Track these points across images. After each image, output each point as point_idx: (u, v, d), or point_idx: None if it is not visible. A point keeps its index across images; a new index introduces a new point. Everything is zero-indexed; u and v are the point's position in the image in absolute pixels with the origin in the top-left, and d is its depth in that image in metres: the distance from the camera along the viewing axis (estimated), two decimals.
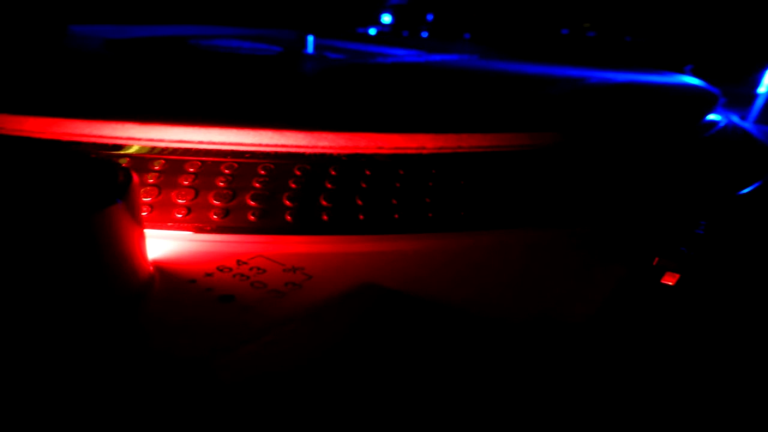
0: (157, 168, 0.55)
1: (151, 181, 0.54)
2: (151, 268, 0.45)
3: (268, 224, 0.54)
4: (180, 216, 0.53)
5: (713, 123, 0.95)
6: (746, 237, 0.63)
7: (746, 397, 0.35)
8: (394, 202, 0.58)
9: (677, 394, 0.35)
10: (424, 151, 0.62)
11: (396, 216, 0.57)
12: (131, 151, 0.57)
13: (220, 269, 0.46)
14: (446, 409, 0.33)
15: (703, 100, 1.01)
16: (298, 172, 0.57)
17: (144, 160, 0.56)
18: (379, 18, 2.68)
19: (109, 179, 0.40)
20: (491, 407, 0.33)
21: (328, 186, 0.57)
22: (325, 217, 0.55)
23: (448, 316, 0.44)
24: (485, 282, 0.49)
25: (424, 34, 2.66)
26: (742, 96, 1.31)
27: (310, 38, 1.42)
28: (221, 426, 0.30)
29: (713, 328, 0.43)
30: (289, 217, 0.54)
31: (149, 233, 0.47)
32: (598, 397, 0.34)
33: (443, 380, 0.35)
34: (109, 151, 0.57)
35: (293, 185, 0.56)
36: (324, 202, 0.56)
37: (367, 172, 0.59)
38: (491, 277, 0.50)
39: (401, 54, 1.54)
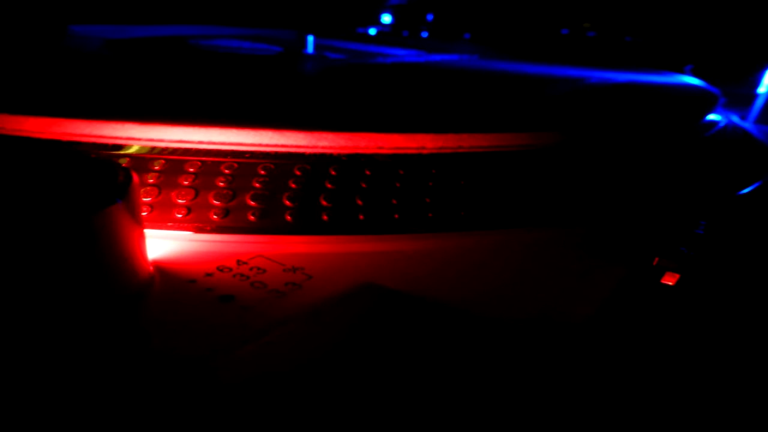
0: (157, 168, 0.55)
1: (151, 181, 0.54)
2: (151, 268, 0.45)
3: (268, 224, 0.53)
4: (180, 216, 0.53)
5: (713, 123, 0.95)
6: (746, 237, 0.63)
7: (746, 397, 0.35)
8: (394, 202, 0.58)
9: (677, 394, 0.35)
10: (424, 151, 0.62)
11: (396, 216, 0.57)
12: (131, 151, 0.57)
13: (220, 269, 0.46)
14: (446, 409, 0.33)
15: (703, 100, 1.01)
16: (298, 172, 0.57)
17: (144, 160, 0.56)
18: (379, 18, 2.67)
19: (109, 179, 0.40)
20: (491, 407, 0.33)
21: (328, 186, 0.57)
22: (325, 217, 0.55)
23: (448, 316, 0.44)
24: (485, 282, 0.49)
25: (424, 34, 2.66)
26: (742, 96, 1.31)
27: (310, 38, 1.42)
28: (221, 426, 0.30)
29: (713, 328, 0.43)
30: (289, 217, 0.54)
31: (149, 233, 0.47)
32: (598, 396, 0.34)
33: (443, 380, 0.35)
34: (109, 151, 0.57)
35: (293, 185, 0.56)
36: (324, 202, 0.56)
37: (367, 172, 0.59)
38: (491, 277, 0.50)
39: (401, 54, 1.54)
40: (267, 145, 0.58)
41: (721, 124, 0.96)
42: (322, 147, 0.59)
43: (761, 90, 1.27)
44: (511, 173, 0.64)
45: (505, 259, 0.54)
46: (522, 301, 0.46)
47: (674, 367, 0.38)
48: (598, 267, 0.52)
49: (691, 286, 0.48)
